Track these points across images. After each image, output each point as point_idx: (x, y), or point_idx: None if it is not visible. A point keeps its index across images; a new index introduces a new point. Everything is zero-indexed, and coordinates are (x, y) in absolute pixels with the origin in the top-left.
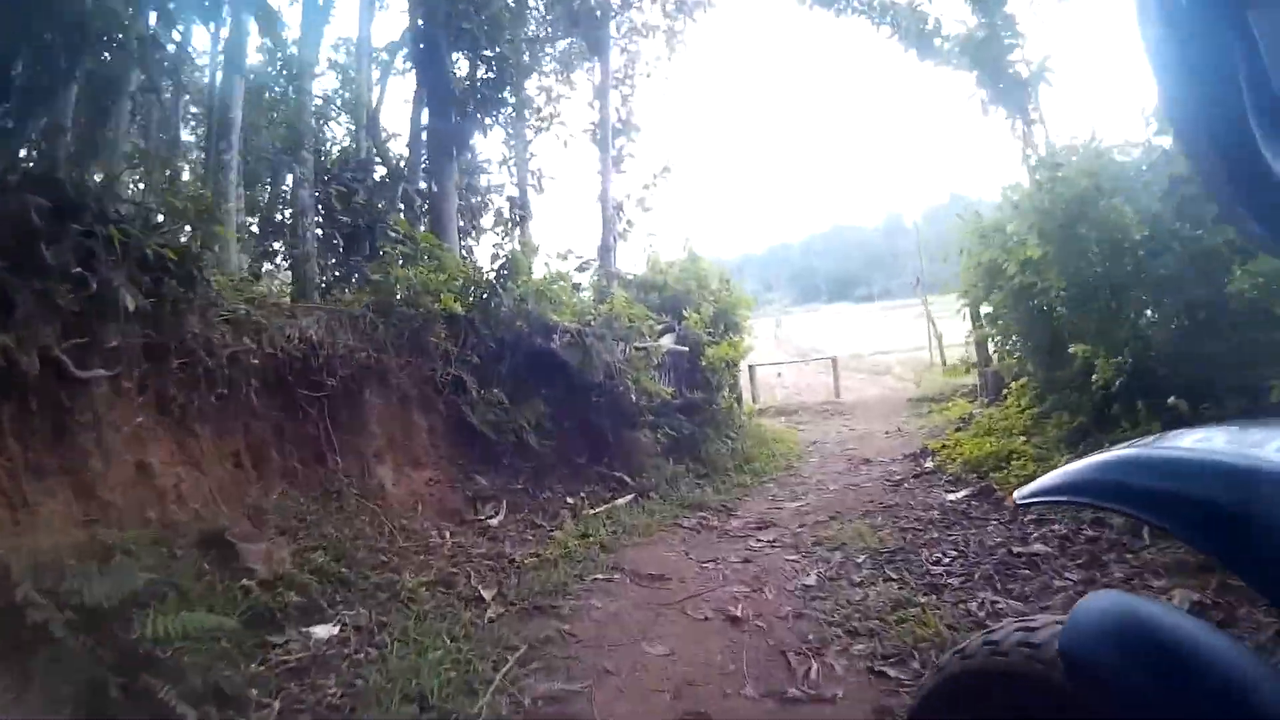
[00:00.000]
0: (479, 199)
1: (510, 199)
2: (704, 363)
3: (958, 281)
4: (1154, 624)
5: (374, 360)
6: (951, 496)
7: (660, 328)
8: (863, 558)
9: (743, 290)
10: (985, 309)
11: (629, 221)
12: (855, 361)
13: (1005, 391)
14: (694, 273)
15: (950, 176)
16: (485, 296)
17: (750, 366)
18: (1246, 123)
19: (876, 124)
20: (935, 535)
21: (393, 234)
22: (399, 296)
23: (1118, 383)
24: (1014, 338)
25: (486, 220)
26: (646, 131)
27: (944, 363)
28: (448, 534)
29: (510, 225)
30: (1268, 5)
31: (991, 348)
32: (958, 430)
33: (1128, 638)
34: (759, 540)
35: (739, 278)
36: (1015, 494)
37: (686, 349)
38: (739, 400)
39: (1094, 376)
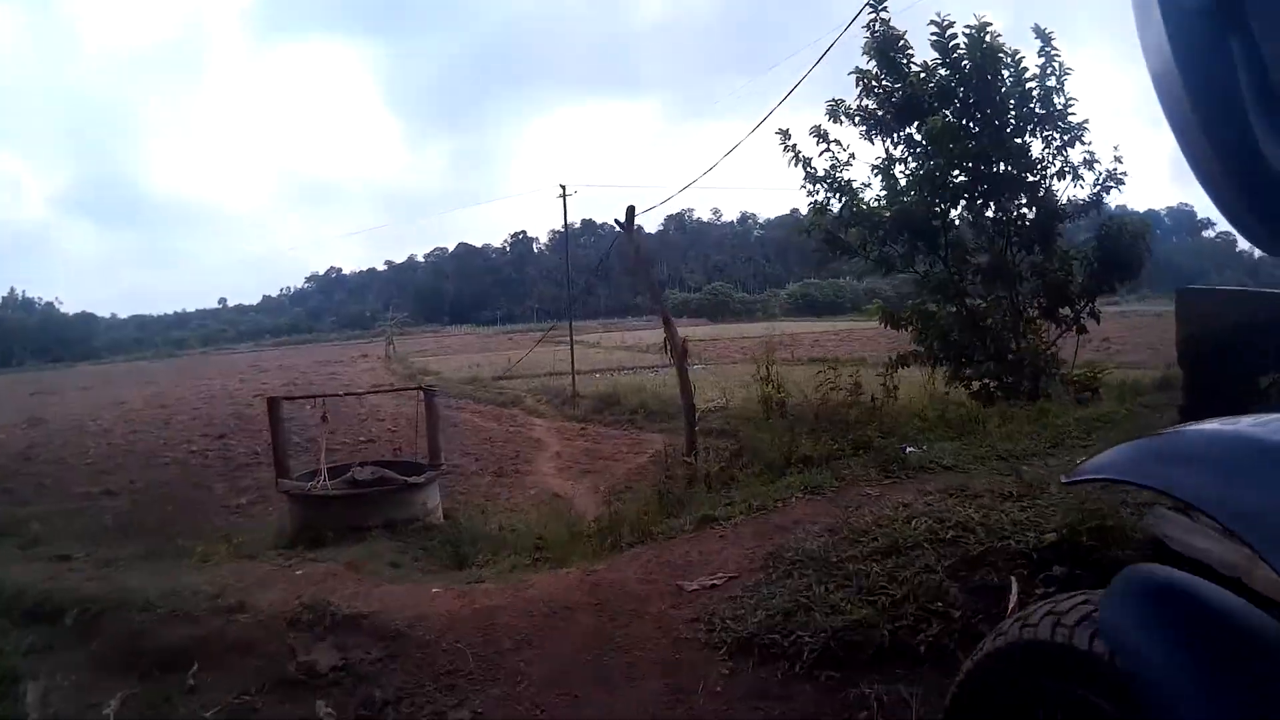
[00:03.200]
0: None
1: None
2: None
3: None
4: (1196, 599)
5: None
6: None
7: None
8: None
9: None
10: None
11: None
12: (475, 389)
13: None
14: None
15: (583, 202)
16: None
17: (271, 400)
18: (1246, 121)
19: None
20: None
21: None
22: None
23: None
24: None
25: None
26: None
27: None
28: None
29: None
30: (1268, 5)
31: None
32: None
33: (1169, 613)
34: None
35: (362, 294)
36: (1063, 476)
37: None
38: None
39: None
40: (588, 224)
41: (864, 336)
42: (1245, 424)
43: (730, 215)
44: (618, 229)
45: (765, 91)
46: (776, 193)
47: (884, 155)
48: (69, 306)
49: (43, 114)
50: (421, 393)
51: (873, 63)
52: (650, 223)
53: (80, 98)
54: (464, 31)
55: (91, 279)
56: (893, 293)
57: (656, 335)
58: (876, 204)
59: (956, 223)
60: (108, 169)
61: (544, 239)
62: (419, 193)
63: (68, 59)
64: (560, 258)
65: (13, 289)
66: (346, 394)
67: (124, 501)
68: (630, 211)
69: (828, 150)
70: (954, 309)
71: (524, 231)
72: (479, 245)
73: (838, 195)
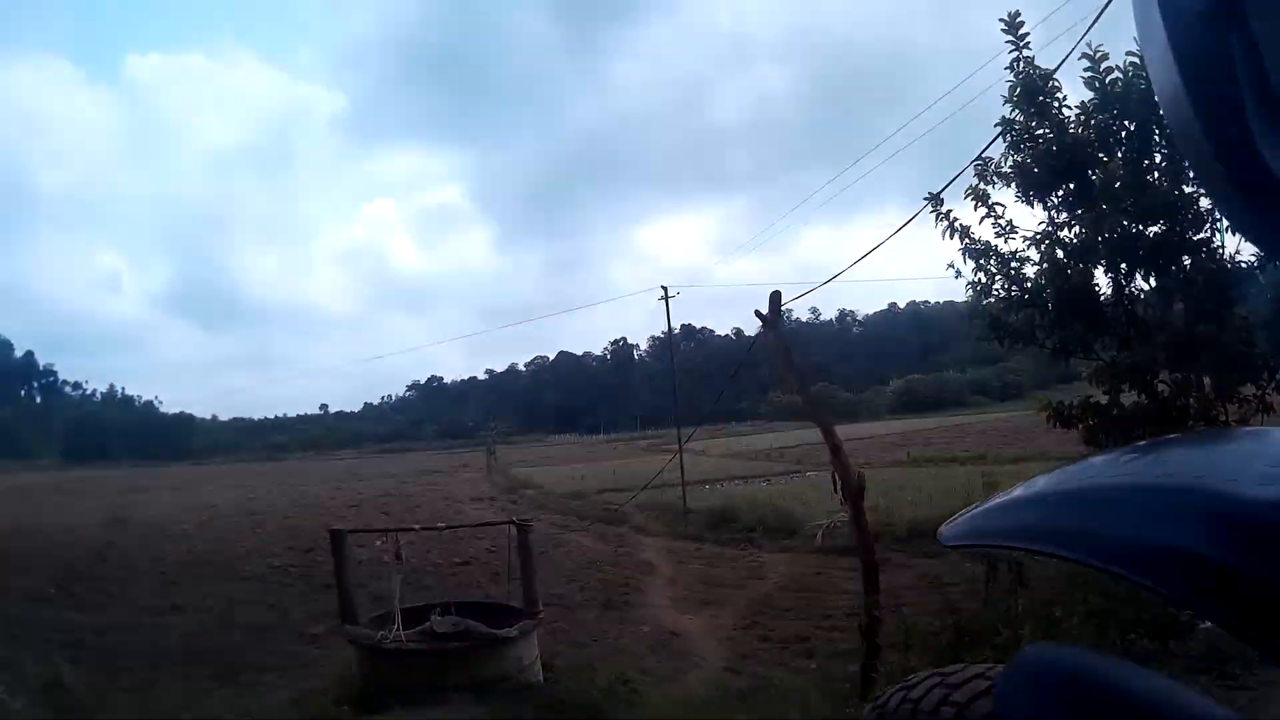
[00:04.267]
0: None
1: None
2: None
3: None
4: (1106, 681)
5: None
6: None
7: None
8: None
9: None
10: None
11: None
12: (580, 505)
13: None
14: None
15: (682, 307)
16: None
17: (334, 532)
18: (1245, 121)
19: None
20: None
21: None
22: None
23: None
24: None
25: None
26: None
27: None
28: None
29: None
30: (1268, 5)
31: None
32: None
33: (1079, 698)
34: None
35: (463, 402)
36: (940, 531)
37: None
38: None
39: None
40: (687, 329)
41: (977, 432)
42: (1128, 469)
43: (828, 314)
44: (758, 321)
45: (854, 188)
46: (875, 286)
47: (1046, 220)
48: (167, 406)
49: (143, 214)
50: (513, 527)
51: (1017, 111)
52: (749, 325)
53: (179, 199)
54: (552, 138)
55: (190, 379)
56: (998, 382)
57: (764, 441)
58: (1039, 280)
59: (1133, 296)
60: (207, 270)
61: (644, 345)
62: (516, 298)
63: (168, 160)
64: (661, 363)
65: (112, 385)
66: (424, 529)
67: (189, 620)
68: (776, 299)
69: (989, 215)
70: (1140, 398)
71: (624, 338)
72: (579, 353)
73: (1002, 271)
